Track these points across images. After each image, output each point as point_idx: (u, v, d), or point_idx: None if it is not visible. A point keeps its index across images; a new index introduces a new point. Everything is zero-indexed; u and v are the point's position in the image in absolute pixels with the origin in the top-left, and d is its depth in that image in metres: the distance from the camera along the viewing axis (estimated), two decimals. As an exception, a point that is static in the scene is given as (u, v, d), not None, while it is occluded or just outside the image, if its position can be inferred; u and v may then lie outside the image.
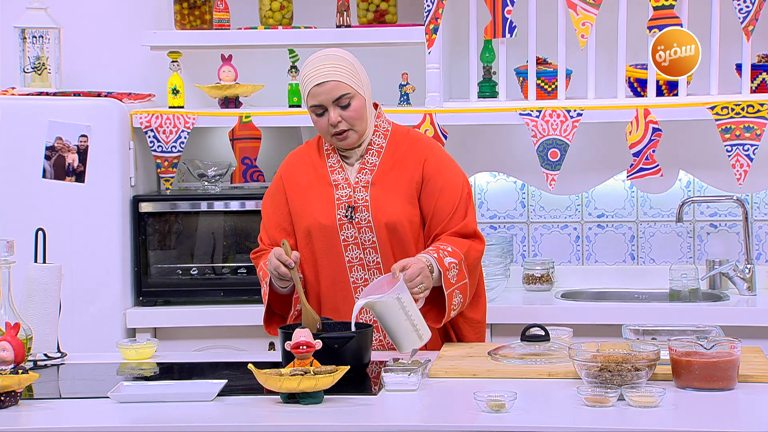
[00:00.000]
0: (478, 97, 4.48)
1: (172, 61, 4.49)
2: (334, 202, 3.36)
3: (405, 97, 4.45)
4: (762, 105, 4.21)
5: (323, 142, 3.44)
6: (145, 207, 4.35)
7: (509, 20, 4.31)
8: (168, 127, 4.40)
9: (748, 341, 3.16)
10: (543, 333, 3.12)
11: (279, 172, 3.49)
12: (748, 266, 4.41)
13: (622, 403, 2.63)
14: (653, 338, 3.04)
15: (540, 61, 4.44)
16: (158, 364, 3.24)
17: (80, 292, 4.22)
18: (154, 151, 4.41)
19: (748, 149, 4.22)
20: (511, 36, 4.33)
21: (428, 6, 4.33)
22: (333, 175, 3.39)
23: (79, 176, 4.26)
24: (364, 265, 3.36)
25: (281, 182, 3.46)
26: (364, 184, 3.37)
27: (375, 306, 3.09)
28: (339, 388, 2.73)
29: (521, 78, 4.46)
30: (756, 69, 4.35)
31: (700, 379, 2.74)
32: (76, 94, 4.41)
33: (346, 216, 3.34)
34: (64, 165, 4.26)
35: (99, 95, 4.41)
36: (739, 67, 4.34)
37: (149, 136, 4.40)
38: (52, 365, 3.23)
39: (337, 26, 4.46)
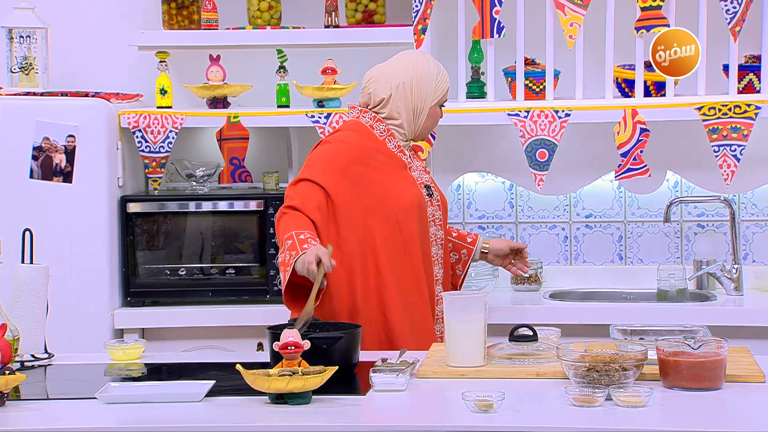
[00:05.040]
0: (467, 98, 4.48)
1: (160, 61, 4.49)
2: (416, 182, 3.49)
3: (393, 98, 4.44)
4: (749, 105, 4.22)
5: (373, 132, 3.47)
6: (133, 207, 4.34)
7: (497, 21, 4.31)
8: (156, 127, 4.39)
9: (735, 341, 3.16)
10: (531, 333, 3.12)
11: (354, 145, 3.43)
12: (735, 266, 4.42)
13: (609, 403, 2.64)
14: (641, 338, 3.05)
15: (528, 62, 4.44)
16: (146, 364, 3.23)
17: (68, 293, 4.21)
18: (142, 151, 4.41)
19: (735, 150, 4.23)
20: (499, 36, 4.33)
21: (416, 6, 4.33)
22: (403, 157, 3.50)
23: (67, 176, 4.25)
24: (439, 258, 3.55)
25: (361, 155, 3.42)
26: (422, 167, 3.59)
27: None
28: (327, 389, 2.73)
29: (509, 78, 4.47)
30: (743, 69, 4.36)
31: (688, 379, 2.75)
32: (64, 94, 4.40)
33: (427, 194, 3.50)
34: (52, 165, 4.25)
35: (86, 95, 4.40)
36: (726, 67, 4.35)
37: (137, 137, 4.39)
38: (40, 366, 3.22)
39: (326, 26, 4.46)
